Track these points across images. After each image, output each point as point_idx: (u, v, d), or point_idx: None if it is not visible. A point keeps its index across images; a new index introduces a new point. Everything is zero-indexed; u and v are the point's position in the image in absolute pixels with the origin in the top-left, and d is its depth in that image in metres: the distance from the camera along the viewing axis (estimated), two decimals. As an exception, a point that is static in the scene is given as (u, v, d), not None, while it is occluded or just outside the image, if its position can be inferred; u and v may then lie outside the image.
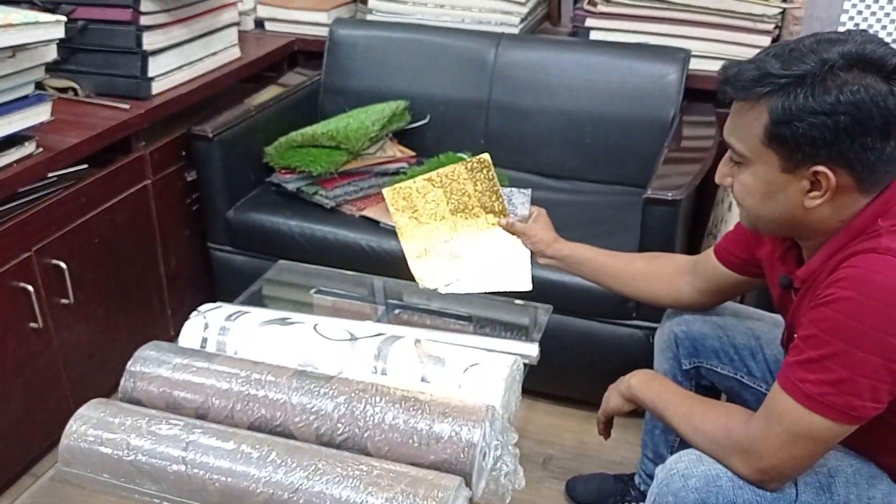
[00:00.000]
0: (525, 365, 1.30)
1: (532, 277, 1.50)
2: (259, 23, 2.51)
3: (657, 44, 2.16)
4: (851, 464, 1.06)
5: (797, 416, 0.96)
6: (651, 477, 1.56)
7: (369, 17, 2.39)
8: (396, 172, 2.11)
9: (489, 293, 1.50)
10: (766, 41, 2.07)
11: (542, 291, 1.57)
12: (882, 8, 1.60)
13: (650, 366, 1.46)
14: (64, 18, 1.62)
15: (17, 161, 1.59)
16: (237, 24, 2.22)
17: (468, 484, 1.03)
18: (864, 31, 1.06)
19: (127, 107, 1.85)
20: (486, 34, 2.26)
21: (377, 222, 1.96)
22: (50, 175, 1.67)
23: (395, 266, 1.65)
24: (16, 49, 1.52)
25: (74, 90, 1.91)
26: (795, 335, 1.00)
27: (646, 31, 2.16)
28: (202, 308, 1.36)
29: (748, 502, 1.02)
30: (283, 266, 1.79)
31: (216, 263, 2.13)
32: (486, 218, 1.50)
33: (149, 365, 1.21)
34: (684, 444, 1.31)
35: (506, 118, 2.22)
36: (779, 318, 1.34)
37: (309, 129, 2.08)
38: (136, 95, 1.90)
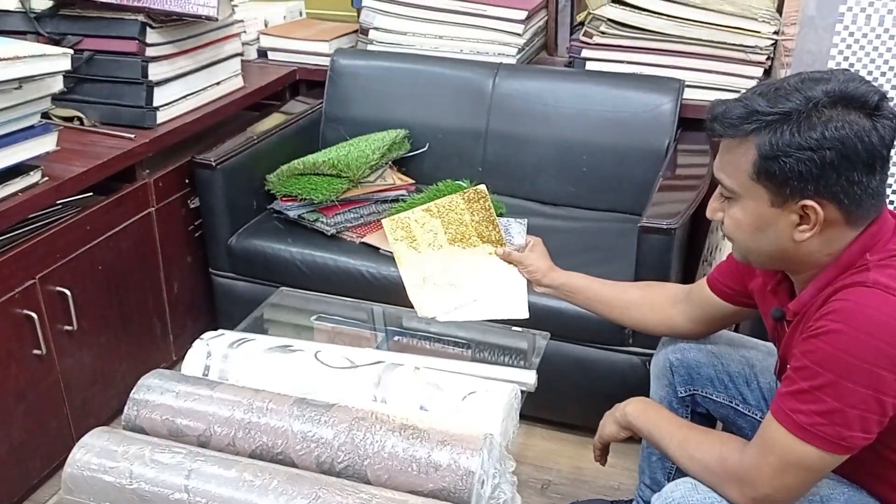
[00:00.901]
0: (522, 392, 1.33)
1: (529, 305, 1.52)
2: (262, 53, 2.56)
3: (652, 74, 2.20)
4: (843, 492, 1.08)
5: (789, 445, 0.98)
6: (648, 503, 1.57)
7: (370, 48, 2.44)
8: (396, 200, 2.14)
9: (487, 321, 1.52)
10: (758, 72, 2.11)
11: (539, 318, 1.59)
12: (871, 42, 1.64)
13: (646, 393, 1.48)
14: (70, 51, 1.66)
15: (23, 190, 1.62)
16: (240, 54, 2.26)
17: (466, 512, 1.05)
18: (847, 69, 1.10)
19: (132, 136, 1.88)
20: (484, 64, 2.30)
21: (377, 249, 1.98)
22: (55, 203, 1.70)
23: (395, 292, 1.67)
24: (23, 80, 1.55)
25: (80, 119, 1.94)
26: (788, 366, 1.02)
27: (641, 61, 2.20)
28: (205, 336, 1.39)
29: (743, 530, 1.03)
30: (285, 293, 1.81)
31: (218, 290, 2.15)
32: (483, 247, 1.53)
33: (152, 393, 1.23)
34: (681, 472, 1.33)
35: (503, 146, 2.25)
36: (773, 346, 1.36)
37: (310, 158, 2.11)
38: (141, 125, 1.93)
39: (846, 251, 1.01)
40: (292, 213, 2.08)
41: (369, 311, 1.82)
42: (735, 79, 2.12)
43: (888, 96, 0.99)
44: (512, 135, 2.24)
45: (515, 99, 2.23)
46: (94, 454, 1.13)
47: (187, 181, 2.05)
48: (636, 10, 2.13)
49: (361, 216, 2.10)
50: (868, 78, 1.46)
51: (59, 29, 1.91)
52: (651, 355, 1.55)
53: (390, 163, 2.25)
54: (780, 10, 2.19)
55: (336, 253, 1.99)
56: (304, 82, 2.52)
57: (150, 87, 1.92)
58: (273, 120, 2.30)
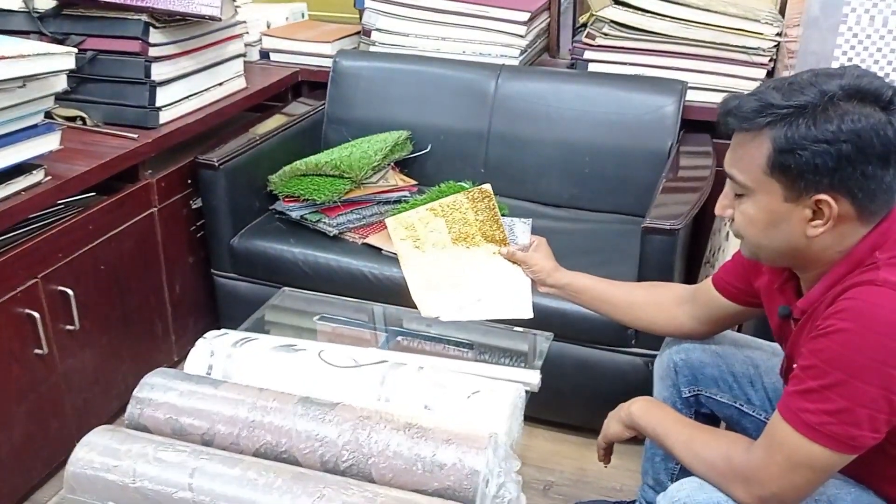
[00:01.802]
0: (526, 392, 1.32)
1: (533, 305, 1.52)
2: (264, 54, 2.56)
3: (654, 76, 2.20)
4: (851, 492, 1.07)
5: (797, 445, 0.98)
6: (651, 504, 1.57)
7: (372, 49, 2.44)
8: (398, 201, 2.14)
9: (490, 321, 1.52)
10: (761, 74, 2.11)
11: (542, 319, 1.59)
12: (874, 43, 1.64)
13: (649, 393, 1.47)
14: (74, 49, 1.65)
15: (26, 189, 1.61)
16: (243, 55, 2.26)
17: (472, 511, 1.05)
18: (858, 66, 1.09)
19: (135, 136, 1.88)
20: (486, 66, 2.30)
21: (379, 250, 1.98)
22: (58, 203, 1.69)
23: (397, 293, 1.67)
24: (26, 79, 1.55)
25: (83, 119, 1.94)
26: (795, 365, 1.02)
27: (643, 63, 2.20)
28: (208, 335, 1.38)
29: (749, 530, 1.03)
30: (287, 293, 1.81)
31: (220, 290, 2.14)
32: (487, 247, 1.52)
33: (155, 391, 1.23)
34: (685, 472, 1.32)
35: (505, 148, 2.25)
36: (777, 346, 1.36)
37: (312, 159, 2.11)
38: (144, 125, 1.93)
39: (856, 248, 1.00)
40: (295, 214, 2.08)
41: (371, 311, 1.82)
42: (737, 80, 2.12)
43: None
44: (514, 136, 2.24)
45: (518, 100, 2.23)
46: (97, 452, 1.13)
47: (190, 182, 2.05)
48: (639, 12, 2.13)
49: (364, 217, 2.10)
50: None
51: (63, 29, 1.91)
52: (654, 356, 1.54)
53: (393, 164, 2.24)
54: (782, 11, 2.19)
55: (338, 254, 1.99)
56: (307, 83, 2.52)
57: (153, 87, 1.92)
58: (275, 121, 2.30)
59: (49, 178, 1.66)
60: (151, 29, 1.87)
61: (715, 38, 2.10)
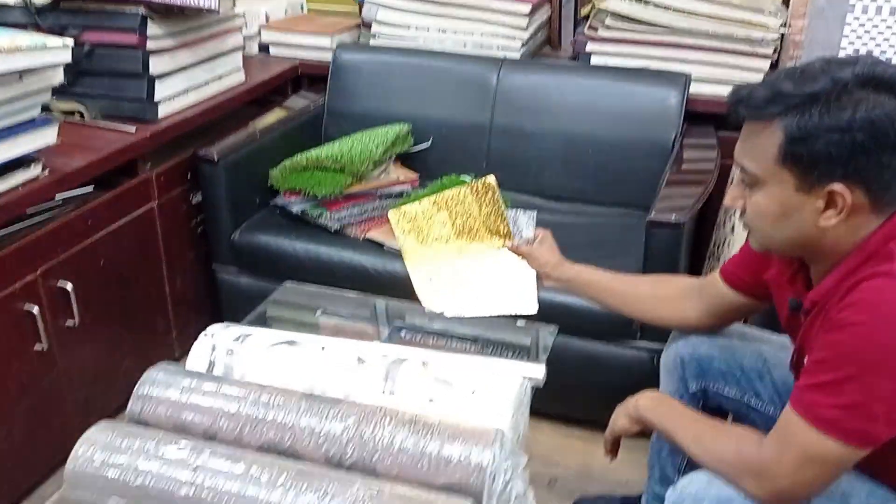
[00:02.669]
0: (531, 386, 1.30)
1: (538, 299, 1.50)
2: (263, 47, 2.53)
3: (657, 68, 2.18)
4: (864, 487, 1.06)
5: (810, 439, 0.96)
6: (658, 498, 1.55)
7: (372, 42, 2.42)
8: (400, 195, 2.12)
9: (495, 315, 1.50)
10: (765, 65, 2.09)
11: (546, 312, 1.58)
12: (881, 33, 1.62)
13: (655, 387, 1.46)
14: (71, 42, 1.63)
15: (24, 184, 1.60)
16: (242, 48, 2.24)
17: (479, 507, 1.03)
18: (870, 54, 1.07)
19: (133, 130, 1.86)
20: (487, 59, 2.28)
21: (381, 245, 1.96)
22: (56, 197, 1.68)
23: (400, 288, 1.65)
24: (23, 72, 1.53)
25: (81, 113, 1.92)
26: (806, 358, 1.00)
27: (646, 55, 2.18)
28: (209, 330, 1.36)
29: (761, 525, 1.01)
30: (289, 287, 1.79)
31: (221, 285, 2.13)
32: (491, 241, 1.51)
33: (157, 387, 1.21)
34: (692, 466, 1.31)
35: (508, 141, 2.23)
36: (786, 339, 1.34)
37: (313, 153, 2.09)
38: (143, 118, 1.91)
39: (869, 240, 0.99)
40: (295, 209, 2.06)
41: (374, 305, 1.80)
42: (742, 72, 2.10)
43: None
44: (517, 129, 2.22)
45: (520, 93, 2.21)
46: (98, 449, 1.11)
47: (189, 176, 2.03)
48: (641, 3, 2.11)
49: (365, 211, 2.08)
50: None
51: (60, 22, 1.88)
52: (659, 350, 1.53)
53: (394, 157, 2.23)
54: (786, 2, 2.17)
55: (340, 248, 1.97)
56: (307, 77, 2.50)
57: (152, 80, 1.90)
58: (275, 115, 2.28)
59: (47, 172, 1.64)
60: (149, 21, 1.85)
61: (718, 30, 2.08)
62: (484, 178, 1.52)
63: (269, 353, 1.30)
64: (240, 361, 1.29)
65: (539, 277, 1.48)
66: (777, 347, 1.35)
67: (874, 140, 0.92)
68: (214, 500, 1.03)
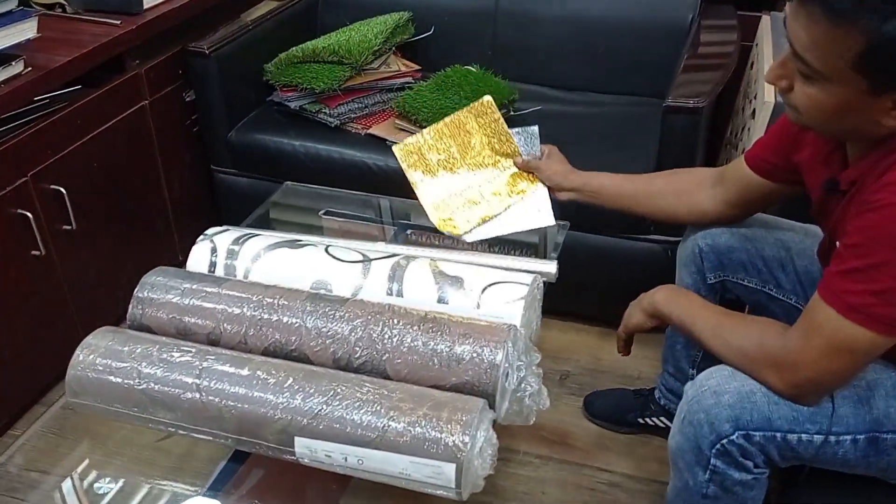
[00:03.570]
0: (544, 282, 1.26)
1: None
2: (252, -69, 2.38)
3: (674, -57, 2.04)
4: (891, 376, 1.02)
5: (838, 327, 0.91)
6: (672, 392, 1.54)
7: (368, -78, 2.26)
8: (402, 88, 2.03)
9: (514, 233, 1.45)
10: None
11: (556, 207, 1.52)
12: None
13: (668, 281, 1.41)
14: (45, -74, 1.52)
15: (5, 81, 1.51)
16: (229, -68, 2.10)
17: (492, 406, 1.00)
18: None
19: (118, 22, 1.75)
20: (492, -63, 2.14)
21: (383, 140, 1.89)
22: (42, 97, 1.60)
23: (403, 185, 1.58)
24: (-4, -39, 1.43)
25: (62, 6, 1.81)
26: (838, 243, 0.94)
27: (662, -71, 2.03)
28: (209, 231, 1.32)
29: (783, 417, 0.98)
30: (290, 188, 1.73)
31: (220, 186, 2.07)
32: (498, 160, 1.46)
33: (156, 291, 1.17)
34: (707, 359, 1.28)
35: (514, 28, 2.12)
36: (811, 227, 1.29)
37: (309, 44, 1.99)
38: (127, 11, 1.80)
39: None
40: (293, 105, 1.97)
41: (378, 205, 1.75)
42: (765, -55, 1.96)
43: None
44: (523, 15, 2.11)
45: (527, -25, 2.08)
46: (99, 354, 1.08)
47: (181, 72, 1.94)
48: None
49: (366, 106, 1.99)
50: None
51: None
52: (673, 244, 1.48)
53: (394, 48, 2.12)
54: None
55: (341, 145, 1.90)
56: (300, -37, 2.35)
57: (135, -32, 1.78)
58: (267, 5, 2.17)
59: (29, 69, 1.55)
60: None
61: None
62: (481, 98, 1.45)
63: (271, 254, 1.25)
64: (241, 263, 1.25)
65: (551, 190, 1.43)
66: (801, 235, 1.30)
67: None
68: (221, 403, 1.01)
